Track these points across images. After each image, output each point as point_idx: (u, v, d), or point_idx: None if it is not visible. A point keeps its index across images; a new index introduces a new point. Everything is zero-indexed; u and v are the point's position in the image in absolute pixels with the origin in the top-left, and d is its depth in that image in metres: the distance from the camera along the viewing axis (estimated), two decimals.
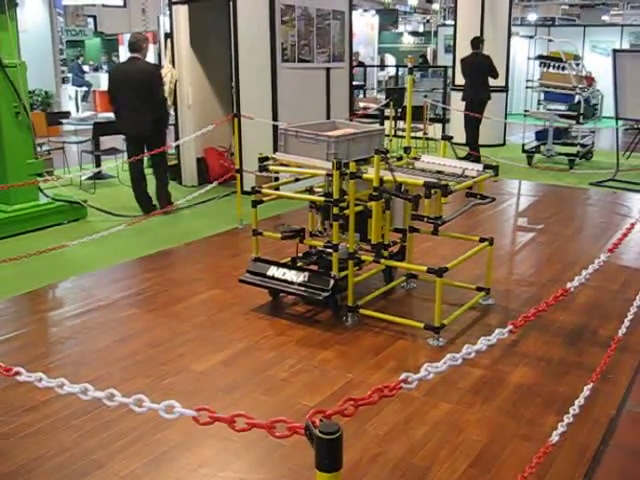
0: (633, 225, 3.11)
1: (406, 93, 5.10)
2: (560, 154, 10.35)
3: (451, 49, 13.68)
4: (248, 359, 3.82)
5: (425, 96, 11.39)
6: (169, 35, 8.79)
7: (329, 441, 1.37)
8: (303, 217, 5.05)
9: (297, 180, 4.80)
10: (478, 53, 10.14)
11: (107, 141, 9.34)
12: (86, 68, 20.35)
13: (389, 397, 1.61)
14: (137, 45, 7.07)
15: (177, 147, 8.49)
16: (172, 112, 8.97)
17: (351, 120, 8.87)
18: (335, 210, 4.11)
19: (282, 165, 4.52)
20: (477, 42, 10.20)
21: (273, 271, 4.44)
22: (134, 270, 5.57)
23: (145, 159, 7.39)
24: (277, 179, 4.90)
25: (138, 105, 6.92)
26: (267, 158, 4.57)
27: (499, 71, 10.28)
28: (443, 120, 12.49)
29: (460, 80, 10.92)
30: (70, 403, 3.23)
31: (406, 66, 5.20)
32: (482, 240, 4.56)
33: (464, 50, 10.64)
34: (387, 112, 11.37)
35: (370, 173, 4.06)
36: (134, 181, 7.29)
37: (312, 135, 4.34)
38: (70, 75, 18.60)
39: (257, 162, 4.55)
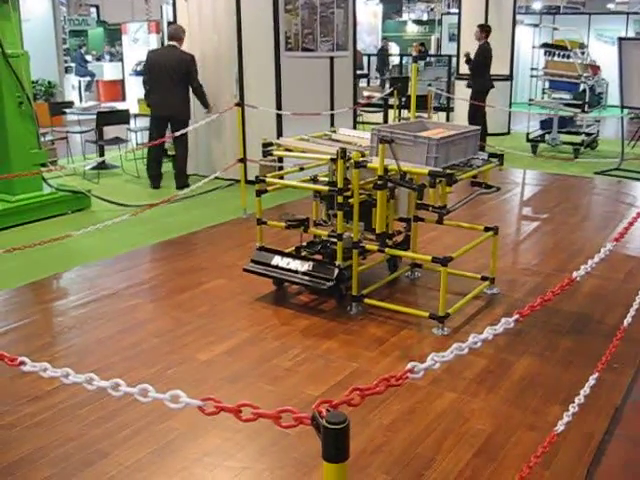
0: (639, 214, 3.09)
1: (410, 82, 5.05)
2: (565, 143, 10.32)
3: (455, 37, 13.61)
4: (252, 349, 3.82)
5: (429, 85, 11.34)
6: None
7: (336, 431, 1.36)
8: (307, 206, 5.04)
9: (302, 169, 4.77)
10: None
11: (110, 131, 9.32)
12: (89, 58, 20.29)
13: (395, 387, 1.60)
14: (176, 35, 7.78)
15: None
16: None
17: (356, 110, 8.84)
18: (339, 199, 4.10)
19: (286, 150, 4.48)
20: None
21: (277, 260, 4.43)
22: (138, 260, 5.56)
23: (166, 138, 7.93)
24: (281, 168, 4.88)
25: (170, 88, 7.60)
26: (271, 144, 4.55)
27: (504, 59, 10.20)
28: (447, 109, 12.45)
29: (465, 69, 10.87)
30: (75, 393, 3.23)
31: (410, 55, 5.16)
32: (487, 229, 4.55)
33: (469, 39, 10.57)
34: (391, 101, 11.34)
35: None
36: (151, 155, 7.90)
37: (410, 137, 4.02)
38: (73, 65, 18.57)
39: (261, 150, 4.53)
